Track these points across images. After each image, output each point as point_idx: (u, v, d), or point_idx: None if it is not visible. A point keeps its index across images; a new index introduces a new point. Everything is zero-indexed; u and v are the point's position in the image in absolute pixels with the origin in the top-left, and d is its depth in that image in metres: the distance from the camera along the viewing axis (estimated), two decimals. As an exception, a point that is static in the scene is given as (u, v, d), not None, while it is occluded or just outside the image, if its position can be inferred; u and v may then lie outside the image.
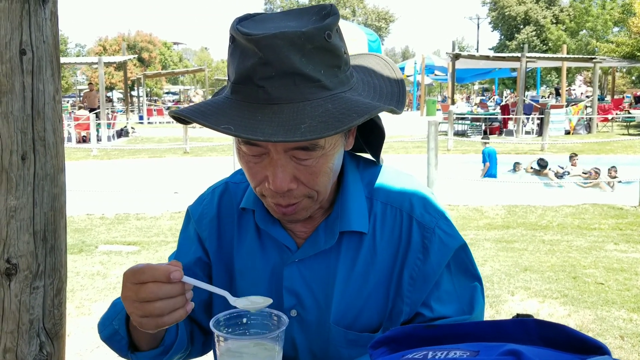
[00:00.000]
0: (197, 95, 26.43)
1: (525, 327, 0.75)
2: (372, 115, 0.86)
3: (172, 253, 1.24)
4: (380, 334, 0.98)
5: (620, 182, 10.47)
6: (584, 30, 36.59)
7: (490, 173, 11.33)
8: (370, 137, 1.11)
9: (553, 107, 19.12)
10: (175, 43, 66.30)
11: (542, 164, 11.07)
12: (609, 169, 10.77)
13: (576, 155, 11.44)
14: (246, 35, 0.85)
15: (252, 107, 0.86)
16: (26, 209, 0.94)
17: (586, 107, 21.10)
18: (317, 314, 1.06)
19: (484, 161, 11.60)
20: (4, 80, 0.90)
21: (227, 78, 0.95)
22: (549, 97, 32.32)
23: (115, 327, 1.04)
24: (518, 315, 0.81)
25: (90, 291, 4.75)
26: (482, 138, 14.07)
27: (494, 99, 32.76)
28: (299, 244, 1.07)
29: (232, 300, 0.90)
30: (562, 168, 11.31)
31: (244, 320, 0.91)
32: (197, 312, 1.17)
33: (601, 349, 0.67)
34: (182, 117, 0.88)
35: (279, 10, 1.05)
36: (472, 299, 1.06)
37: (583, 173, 10.86)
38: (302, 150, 0.90)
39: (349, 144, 1.02)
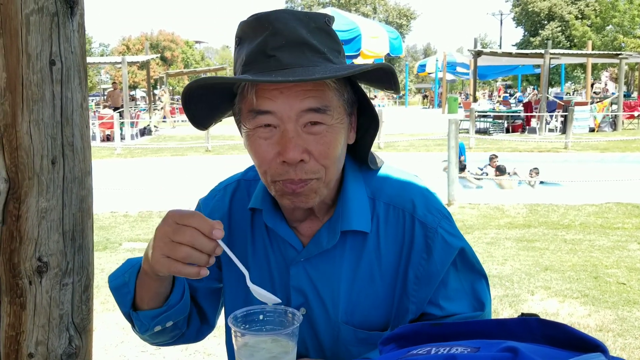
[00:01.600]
0: (165, 95, 26.24)
1: (528, 326, 0.78)
2: (373, 67, 0.94)
3: None
4: (389, 332, 1.02)
5: (542, 182, 10.65)
6: (610, 26, 35.94)
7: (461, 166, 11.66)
8: (366, 135, 1.12)
9: (577, 104, 18.85)
10: (197, 42, 66.84)
11: (461, 166, 10.90)
12: (530, 170, 10.83)
13: (496, 156, 11.39)
14: (256, 15, 0.96)
15: (266, 73, 0.94)
16: (56, 210, 0.99)
17: (612, 104, 20.76)
18: (324, 312, 1.09)
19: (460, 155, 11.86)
20: (35, 90, 0.96)
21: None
22: (573, 94, 31.84)
23: (126, 279, 1.09)
24: (523, 314, 0.84)
25: (114, 287, 4.85)
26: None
27: (516, 96, 32.40)
28: (304, 243, 1.10)
29: (249, 282, 0.95)
30: (481, 169, 11.26)
31: (260, 317, 0.95)
32: (201, 296, 1.22)
33: (599, 347, 0.70)
34: (200, 88, 0.97)
35: (299, 9, 1.13)
36: (481, 296, 1.09)
37: (496, 173, 10.84)
38: (314, 112, 0.95)
39: (350, 137, 1.06)
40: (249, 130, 1.00)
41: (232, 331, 0.90)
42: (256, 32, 0.97)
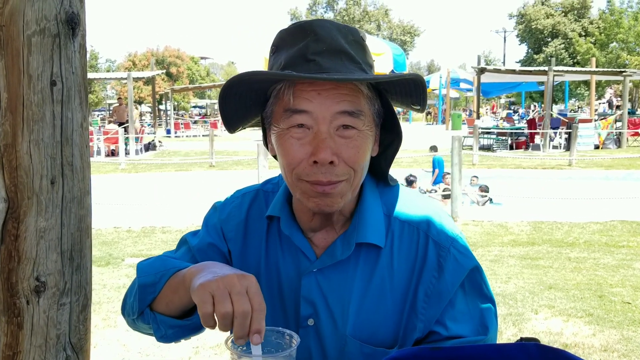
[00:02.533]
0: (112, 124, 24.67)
1: (527, 351, 0.78)
2: (404, 77, 0.99)
3: (189, 233, 1.26)
4: (395, 350, 1.01)
5: (491, 201, 10.78)
6: (614, 43, 36.03)
7: (438, 180, 11.75)
8: (386, 152, 1.14)
9: (581, 121, 18.85)
10: (202, 58, 67.33)
11: (410, 180, 10.83)
12: (480, 186, 10.97)
13: (448, 173, 11.28)
14: (298, 23, 1.02)
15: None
16: (54, 229, 1.00)
17: (616, 121, 20.74)
18: (332, 324, 1.09)
19: (434, 168, 11.99)
20: (35, 110, 0.96)
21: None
22: (577, 110, 31.85)
23: (156, 280, 1.06)
24: (522, 339, 0.84)
25: (116, 304, 4.84)
26: (431, 148, 14.78)
27: (519, 113, 32.43)
28: (318, 254, 1.11)
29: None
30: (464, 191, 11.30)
31: (258, 338, 0.94)
32: None
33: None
34: (245, 79, 0.99)
35: None
36: (486, 320, 1.09)
37: (443, 190, 10.87)
38: (347, 115, 0.99)
39: (374, 149, 1.08)
40: (281, 130, 1.02)
41: (230, 353, 0.90)
42: (296, 38, 1.01)
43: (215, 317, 0.87)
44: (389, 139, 1.12)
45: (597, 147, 18.47)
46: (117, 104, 21.90)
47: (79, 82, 1.03)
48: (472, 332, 1.07)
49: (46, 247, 0.99)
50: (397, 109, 1.15)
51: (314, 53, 0.98)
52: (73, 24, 1.00)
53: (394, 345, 1.09)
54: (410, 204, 1.14)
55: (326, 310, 1.09)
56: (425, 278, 1.07)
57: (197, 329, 1.10)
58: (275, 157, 1.10)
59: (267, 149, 1.13)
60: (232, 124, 1.10)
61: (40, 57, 0.96)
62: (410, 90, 1.04)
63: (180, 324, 1.07)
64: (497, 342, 1.05)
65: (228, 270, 0.92)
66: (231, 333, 0.89)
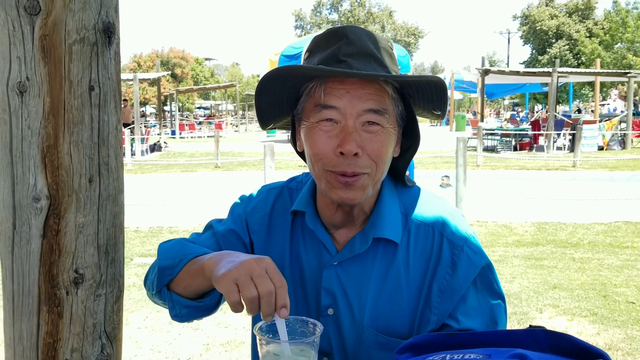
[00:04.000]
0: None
1: (535, 336, 0.84)
2: (427, 80, 1.06)
3: (215, 220, 1.33)
4: (406, 341, 1.08)
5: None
6: (620, 44, 35.92)
7: None
8: (405, 154, 1.21)
9: (586, 122, 18.85)
10: (207, 59, 67.51)
11: None
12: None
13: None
14: (331, 28, 1.12)
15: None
16: (92, 225, 1.06)
17: (620, 122, 20.73)
18: (350, 314, 1.16)
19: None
20: (75, 113, 1.03)
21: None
22: (578, 112, 31.82)
23: (175, 263, 1.14)
24: (531, 326, 0.90)
25: (126, 302, 4.91)
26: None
27: (520, 115, 32.42)
28: (338, 249, 1.19)
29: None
30: None
31: (283, 327, 1.01)
32: None
33: (602, 356, 0.75)
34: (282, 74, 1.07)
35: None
36: (496, 315, 1.15)
37: None
38: (373, 112, 1.06)
39: (396, 150, 1.16)
40: (311, 123, 1.10)
41: (257, 339, 0.96)
42: (329, 42, 1.10)
43: (243, 302, 0.93)
44: (408, 143, 1.19)
45: (601, 149, 18.47)
46: (123, 106, 21.95)
47: (114, 87, 1.09)
48: (482, 327, 1.13)
49: (84, 242, 1.06)
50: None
51: (345, 55, 1.06)
52: (109, 32, 1.07)
53: (408, 336, 1.15)
54: (427, 204, 1.21)
55: (345, 301, 1.16)
56: (440, 274, 1.14)
57: (210, 309, 1.17)
58: (301, 154, 1.17)
59: (295, 147, 1.20)
60: (265, 119, 1.18)
61: (80, 64, 1.03)
62: (432, 95, 1.11)
63: (194, 304, 1.14)
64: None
65: (245, 257, 0.98)
66: (258, 318, 0.96)
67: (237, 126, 37.44)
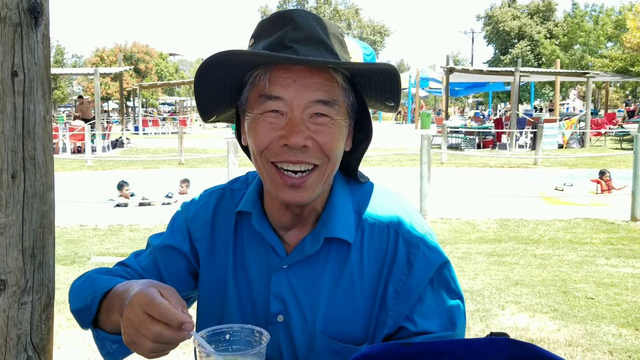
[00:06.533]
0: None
1: (497, 346, 0.78)
2: (379, 68, 0.99)
3: (154, 235, 1.25)
4: (365, 347, 1.01)
5: None
6: (578, 45, 36.90)
7: None
8: (357, 149, 1.14)
9: (546, 121, 19.26)
10: (171, 54, 66.51)
11: None
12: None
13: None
14: (278, 12, 1.03)
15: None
16: (15, 226, 0.96)
17: (579, 121, 21.25)
18: (302, 320, 1.09)
19: None
20: (-5, 101, 0.93)
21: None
22: (540, 111, 32.56)
23: (88, 303, 1.05)
24: (492, 334, 0.84)
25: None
26: None
27: (482, 113, 32.97)
28: (288, 252, 1.11)
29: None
30: None
31: (227, 336, 0.93)
32: None
33: (567, 367, 0.70)
34: (220, 60, 0.97)
35: None
36: (454, 316, 1.09)
37: None
38: (322, 104, 0.99)
39: (347, 144, 1.08)
40: (255, 115, 1.02)
41: (197, 351, 0.88)
42: (276, 27, 1.02)
43: (150, 355, 0.87)
44: (360, 137, 1.12)
45: (561, 147, 18.90)
46: (79, 103, 21.28)
47: (42, 73, 0.99)
48: (440, 328, 1.07)
49: (6, 244, 0.96)
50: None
51: (292, 40, 0.99)
52: (36, 13, 0.97)
53: (363, 342, 1.09)
54: (381, 201, 1.14)
55: (296, 306, 1.09)
56: (395, 275, 1.07)
57: None
58: (245, 149, 1.09)
59: (240, 141, 1.11)
60: (207, 111, 1.09)
61: (0, 47, 0.93)
62: (384, 85, 1.04)
63: (121, 339, 1.05)
64: (466, 337, 1.06)
65: (132, 294, 0.90)
66: (200, 328, 0.88)
67: (202, 122, 36.91)
